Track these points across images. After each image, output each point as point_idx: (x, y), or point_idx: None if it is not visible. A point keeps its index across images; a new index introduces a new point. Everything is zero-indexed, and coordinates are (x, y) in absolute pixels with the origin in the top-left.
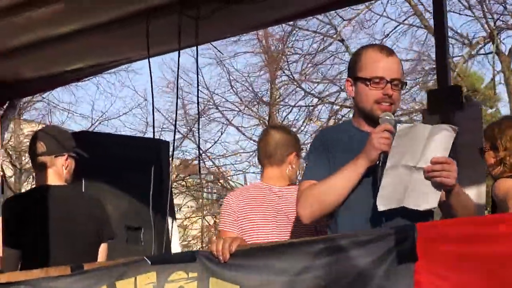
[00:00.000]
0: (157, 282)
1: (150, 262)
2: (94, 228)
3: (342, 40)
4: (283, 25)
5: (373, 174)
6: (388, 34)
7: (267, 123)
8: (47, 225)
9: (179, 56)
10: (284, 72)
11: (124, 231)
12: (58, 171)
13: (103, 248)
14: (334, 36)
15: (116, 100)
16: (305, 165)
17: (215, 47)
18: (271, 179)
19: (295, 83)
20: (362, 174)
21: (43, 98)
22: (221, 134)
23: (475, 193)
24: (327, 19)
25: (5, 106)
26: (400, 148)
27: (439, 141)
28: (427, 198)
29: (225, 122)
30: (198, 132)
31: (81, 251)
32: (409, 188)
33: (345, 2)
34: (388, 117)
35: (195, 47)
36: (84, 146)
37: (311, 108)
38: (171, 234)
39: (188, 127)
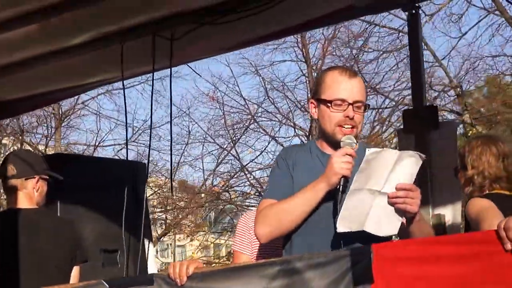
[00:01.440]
0: None
1: (108, 286)
2: (66, 250)
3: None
4: (359, 21)
5: (333, 198)
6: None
7: (307, 134)
8: (16, 248)
9: (153, 78)
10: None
11: (101, 254)
12: (29, 193)
13: (75, 272)
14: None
15: (157, 108)
16: (268, 181)
17: (190, 67)
18: None
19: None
20: (322, 197)
21: (85, 105)
22: (265, 148)
23: (451, 213)
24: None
25: None
26: (366, 171)
27: (405, 167)
28: (388, 224)
29: (261, 132)
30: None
31: (53, 274)
32: (371, 212)
33: (321, 21)
34: (349, 141)
35: (169, 69)
36: (60, 169)
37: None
38: (147, 256)
39: (229, 138)
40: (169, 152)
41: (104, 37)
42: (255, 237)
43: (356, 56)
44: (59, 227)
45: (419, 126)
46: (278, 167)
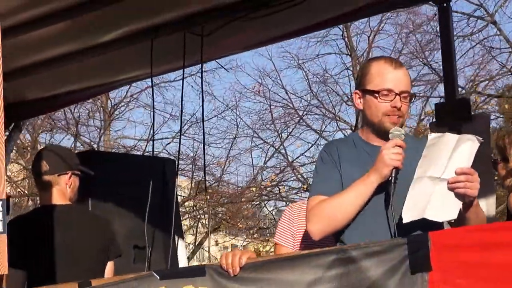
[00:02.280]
0: None
1: (158, 277)
2: (100, 246)
3: (494, 22)
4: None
5: (384, 190)
6: None
7: (353, 129)
8: (52, 245)
9: (183, 75)
10: None
11: (131, 250)
12: (62, 189)
13: (109, 266)
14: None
15: (207, 100)
16: (313, 178)
17: (219, 64)
18: None
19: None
20: (374, 190)
21: (134, 98)
22: (314, 142)
23: (485, 205)
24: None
25: (10, 128)
26: (428, 158)
27: (464, 151)
28: (448, 209)
29: (306, 127)
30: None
31: (87, 270)
32: (431, 199)
33: (354, 14)
34: (398, 132)
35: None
36: (91, 165)
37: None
38: (177, 252)
39: (276, 132)
40: (217, 147)
41: (134, 34)
42: (298, 230)
43: (430, 41)
44: (93, 223)
45: (451, 119)
46: (323, 162)
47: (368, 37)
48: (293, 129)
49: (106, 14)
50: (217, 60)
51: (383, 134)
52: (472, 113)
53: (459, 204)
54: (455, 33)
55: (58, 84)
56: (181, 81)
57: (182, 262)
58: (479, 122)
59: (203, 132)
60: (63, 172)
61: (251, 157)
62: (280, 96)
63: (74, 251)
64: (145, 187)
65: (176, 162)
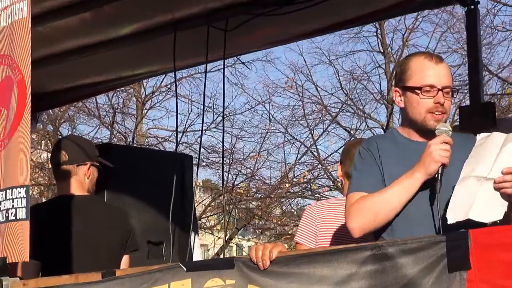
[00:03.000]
0: None
1: (185, 269)
2: (118, 239)
3: None
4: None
5: (430, 187)
6: None
7: (384, 126)
8: (69, 235)
9: (206, 69)
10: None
11: (146, 246)
12: (81, 180)
13: (125, 260)
14: None
15: (239, 94)
16: (352, 175)
17: (241, 62)
18: None
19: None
20: (419, 187)
21: (169, 88)
22: (348, 140)
23: None
24: None
25: None
26: (475, 157)
27: (510, 151)
28: (493, 210)
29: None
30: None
31: (104, 262)
32: (477, 200)
33: (379, 14)
34: (445, 128)
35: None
36: (107, 158)
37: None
38: (193, 249)
39: (309, 128)
40: (250, 140)
41: (156, 27)
42: (321, 230)
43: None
44: (111, 216)
45: (476, 123)
46: (362, 158)
47: (403, 34)
48: (327, 126)
49: (128, 6)
50: (254, 53)
51: (426, 132)
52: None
53: (505, 205)
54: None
55: (79, 76)
56: (217, 72)
57: (197, 259)
58: (504, 126)
59: (223, 126)
60: (82, 163)
61: (284, 152)
62: (311, 93)
63: (91, 242)
64: (161, 183)
65: (197, 157)
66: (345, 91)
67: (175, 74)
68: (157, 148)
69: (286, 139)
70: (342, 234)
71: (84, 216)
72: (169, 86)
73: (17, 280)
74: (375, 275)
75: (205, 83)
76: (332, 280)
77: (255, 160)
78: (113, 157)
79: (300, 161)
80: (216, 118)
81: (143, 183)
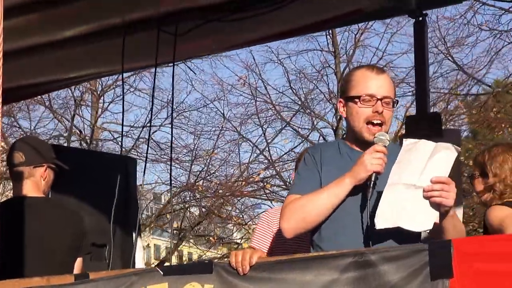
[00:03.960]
0: None
1: (162, 273)
2: (73, 241)
3: None
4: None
5: (362, 192)
6: None
7: (334, 128)
8: (24, 237)
9: (155, 73)
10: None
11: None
12: (37, 182)
13: (79, 262)
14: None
15: (192, 90)
16: (294, 178)
17: (188, 66)
18: None
19: None
20: (348, 192)
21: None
22: (301, 142)
23: None
24: None
25: None
26: (403, 163)
27: (441, 159)
28: (423, 219)
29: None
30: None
31: (58, 264)
32: (406, 207)
33: (334, 22)
34: (382, 137)
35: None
36: None
37: None
38: (135, 251)
39: (261, 127)
40: (207, 137)
41: (106, 29)
42: (277, 237)
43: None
44: (66, 218)
45: (422, 132)
46: (305, 163)
47: (355, 35)
48: (281, 129)
49: (79, 7)
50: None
51: (364, 143)
52: (443, 128)
53: (435, 214)
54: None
55: (27, 75)
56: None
57: (139, 261)
58: (450, 137)
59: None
60: (39, 165)
61: (238, 151)
62: (260, 91)
63: (46, 244)
64: (105, 185)
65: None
66: (294, 91)
67: (122, 77)
68: (114, 142)
69: (240, 136)
70: (299, 240)
71: (39, 218)
72: (125, 80)
73: None
74: (357, 282)
75: (153, 85)
76: (314, 286)
77: (209, 158)
78: (58, 159)
79: (256, 159)
80: (173, 114)
81: (87, 185)
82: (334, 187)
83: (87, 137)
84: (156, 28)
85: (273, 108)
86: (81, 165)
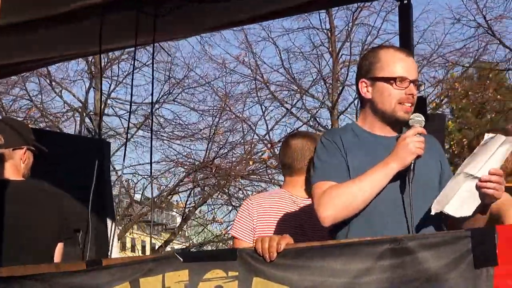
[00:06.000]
0: (189, 280)
1: (182, 259)
2: (53, 225)
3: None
4: None
5: (400, 178)
6: None
7: (330, 109)
8: (5, 221)
9: (135, 53)
10: None
11: None
12: (16, 164)
13: (60, 247)
14: None
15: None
16: (316, 165)
17: (162, 48)
18: (294, 188)
19: None
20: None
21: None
22: (281, 118)
23: None
24: None
25: None
26: (475, 155)
27: (501, 153)
28: (467, 206)
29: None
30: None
31: (41, 248)
32: (456, 195)
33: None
34: (419, 118)
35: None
36: None
37: None
38: (111, 237)
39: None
40: (210, 114)
41: (84, 9)
42: (258, 224)
43: None
44: (48, 201)
45: None
46: (325, 148)
47: (353, 12)
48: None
49: None
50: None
51: (394, 123)
52: (429, 113)
53: (477, 203)
54: None
55: (12, 53)
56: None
57: (114, 246)
58: (435, 122)
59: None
60: (19, 147)
61: (242, 130)
62: (251, 70)
63: (28, 229)
64: (79, 169)
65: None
66: (286, 69)
67: (100, 58)
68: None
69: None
70: (280, 227)
71: (20, 201)
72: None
73: None
74: (393, 270)
75: (133, 69)
76: (348, 274)
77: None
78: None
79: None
80: (172, 90)
81: (60, 169)
82: (379, 172)
83: (91, 113)
84: (135, 8)
85: (269, 85)
86: (56, 148)
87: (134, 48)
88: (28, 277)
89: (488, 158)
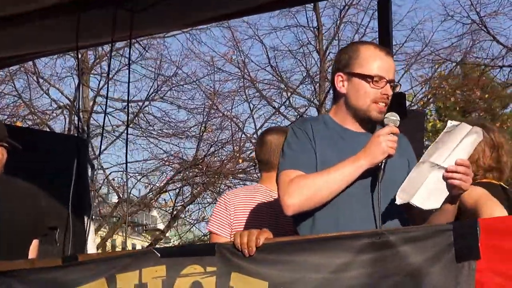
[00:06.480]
0: (167, 276)
1: (159, 254)
2: (29, 222)
3: None
4: None
5: (372, 176)
6: None
7: (317, 106)
8: None
9: (111, 49)
10: None
11: None
12: None
13: (35, 244)
14: None
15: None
16: (285, 152)
17: (140, 44)
18: (271, 183)
19: None
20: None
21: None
22: (269, 117)
23: None
24: None
25: None
26: (438, 144)
27: (468, 143)
28: (434, 198)
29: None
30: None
31: (15, 245)
32: (423, 186)
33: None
34: (394, 118)
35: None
36: None
37: None
38: (87, 235)
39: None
40: (201, 113)
41: (61, 5)
42: (235, 220)
43: None
44: (22, 197)
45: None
46: (296, 137)
47: (340, 10)
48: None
49: None
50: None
51: (366, 121)
52: (408, 109)
53: (445, 195)
54: None
55: None
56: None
57: (91, 245)
58: (414, 119)
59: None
60: None
61: (231, 128)
62: (238, 68)
63: (4, 226)
64: (56, 166)
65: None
66: (273, 67)
67: (77, 54)
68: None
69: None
70: (256, 221)
71: None
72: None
73: None
74: (374, 264)
75: (109, 63)
76: (327, 268)
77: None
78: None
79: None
80: (161, 87)
81: (37, 166)
82: (348, 167)
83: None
84: (113, 4)
85: (256, 83)
86: (31, 145)
87: (111, 46)
88: (3, 273)
89: (454, 147)
